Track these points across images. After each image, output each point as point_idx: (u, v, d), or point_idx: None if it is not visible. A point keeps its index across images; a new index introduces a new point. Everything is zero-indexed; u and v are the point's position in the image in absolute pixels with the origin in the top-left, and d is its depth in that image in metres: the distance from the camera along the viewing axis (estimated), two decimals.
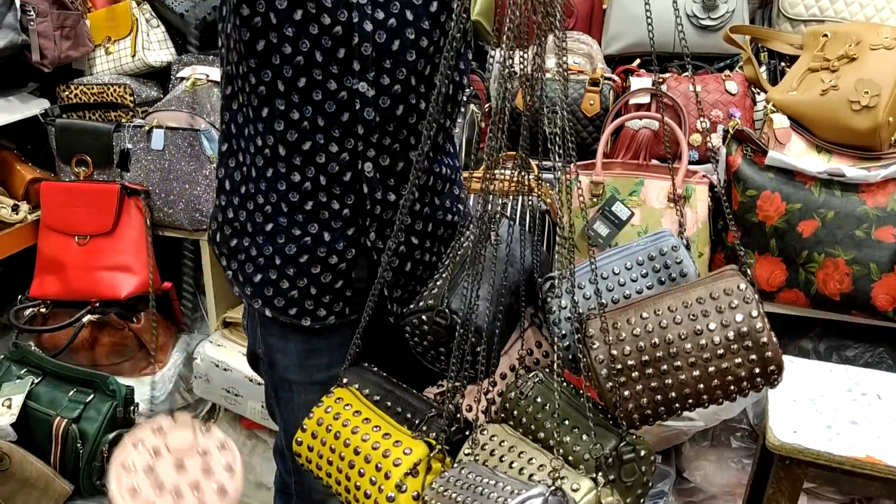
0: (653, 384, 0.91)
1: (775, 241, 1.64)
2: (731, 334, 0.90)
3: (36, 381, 1.79)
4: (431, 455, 0.94)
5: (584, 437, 0.92)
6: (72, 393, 1.76)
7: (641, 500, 0.95)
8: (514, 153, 1.94)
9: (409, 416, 1.03)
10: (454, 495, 0.86)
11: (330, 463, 1.00)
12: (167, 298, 2.11)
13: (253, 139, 1.09)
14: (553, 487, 0.81)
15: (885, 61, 1.66)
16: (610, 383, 0.92)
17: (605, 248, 1.76)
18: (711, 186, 1.73)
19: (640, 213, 1.74)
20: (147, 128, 2.00)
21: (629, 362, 0.92)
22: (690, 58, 2.02)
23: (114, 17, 2.17)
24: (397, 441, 0.96)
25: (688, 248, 1.11)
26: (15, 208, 2.02)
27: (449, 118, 1.16)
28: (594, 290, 1.00)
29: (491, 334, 1.02)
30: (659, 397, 0.92)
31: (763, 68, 1.94)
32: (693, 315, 0.91)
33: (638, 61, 2.02)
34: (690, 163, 1.78)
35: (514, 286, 1.09)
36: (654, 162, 1.84)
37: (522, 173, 1.57)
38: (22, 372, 1.82)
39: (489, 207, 1.04)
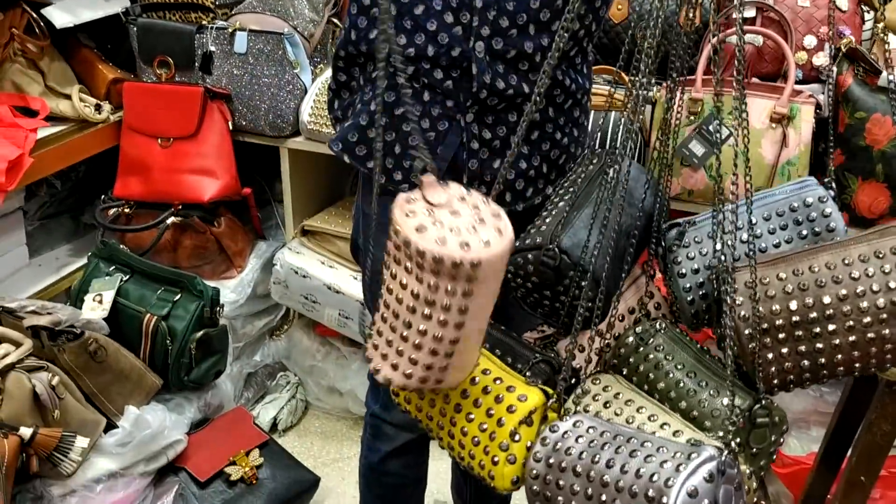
0: (801, 348, 0.84)
1: (882, 167, 1.58)
2: None
3: (125, 278, 1.82)
4: (548, 404, 0.85)
5: (711, 392, 0.85)
6: (160, 291, 1.80)
7: (762, 473, 0.89)
8: (608, 67, 1.89)
9: (509, 360, 0.95)
10: (584, 453, 0.76)
11: (432, 405, 0.91)
12: (246, 204, 2.12)
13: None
14: (727, 452, 0.71)
15: None
16: (753, 343, 0.85)
17: (699, 168, 1.72)
18: (818, 106, 1.66)
19: (740, 133, 1.68)
20: (230, 30, 1.97)
21: (777, 322, 0.84)
22: None
23: None
24: (510, 386, 0.87)
25: (831, 197, 0.99)
26: (98, 108, 2.02)
27: (583, 26, 1.11)
28: (733, 241, 0.90)
29: (606, 280, 0.93)
30: (806, 362, 0.85)
31: None
32: (855, 275, 0.83)
33: None
34: (795, 82, 1.71)
35: (629, 229, 1.01)
36: (756, 80, 1.77)
37: (614, 89, 1.52)
38: (110, 269, 1.85)
39: (607, 142, 0.99)
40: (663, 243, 1.04)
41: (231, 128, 2.02)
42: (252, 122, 2.02)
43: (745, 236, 0.93)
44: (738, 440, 0.81)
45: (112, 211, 2.05)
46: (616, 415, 0.86)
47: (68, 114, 1.96)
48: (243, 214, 2.18)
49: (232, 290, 2.07)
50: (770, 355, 0.85)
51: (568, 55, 1.13)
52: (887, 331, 0.82)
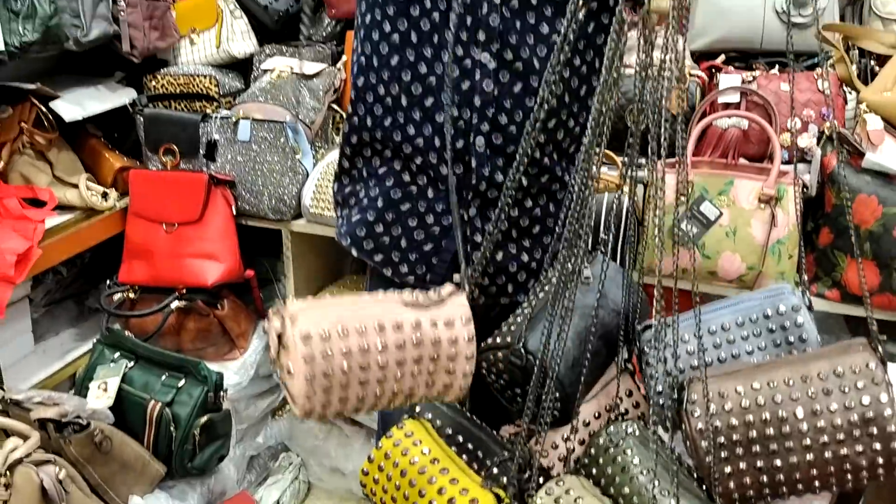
0: (759, 463, 0.84)
1: (870, 245, 1.63)
2: (854, 418, 0.81)
3: (129, 365, 1.84)
4: None
5: (672, 501, 0.84)
6: (164, 377, 1.81)
7: None
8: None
9: (480, 454, 1.01)
10: None
11: (394, 501, 0.98)
12: (248, 285, 2.16)
13: (376, 88, 1.13)
14: None
15: None
16: (710, 457, 0.85)
17: (691, 249, 1.76)
18: (804, 187, 1.71)
19: (729, 213, 1.73)
20: (234, 119, 2.04)
21: (734, 437, 0.84)
22: (778, 55, 2.01)
23: (199, 8, 2.21)
24: (464, 489, 0.93)
25: (803, 302, 0.99)
26: (104, 195, 2.07)
27: (573, 118, 1.15)
28: (698, 346, 0.94)
29: (571, 381, 0.97)
30: (765, 478, 0.84)
31: (853, 67, 1.91)
32: (812, 392, 0.83)
33: (723, 57, 2.00)
34: (781, 162, 1.77)
35: (605, 330, 1.03)
36: (742, 161, 1.83)
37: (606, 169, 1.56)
38: (115, 356, 1.87)
39: (601, 223, 1.03)
40: (637, 343, 1.05)
41: (234, 212, 2.07)
42: (255, 206, 2.07)
43: (718, 341, 0.98)
44: None
45: (117, 296, 2.08)
46: None
47: (75, 203, 2.01)
48: (246, 295, 2.21)
49: (235, 372, 2.08)
50: (728, 469, 0.85)
51: (563, 149, 1.18)
52: (845, 450, 0.81)
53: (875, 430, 0.80)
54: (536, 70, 1.08)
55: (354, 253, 1.22)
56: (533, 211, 1.18)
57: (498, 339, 1.01)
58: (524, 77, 1.08)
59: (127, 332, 1.91)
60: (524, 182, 1.14)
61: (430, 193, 1.15)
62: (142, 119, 2.13)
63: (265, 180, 2.04)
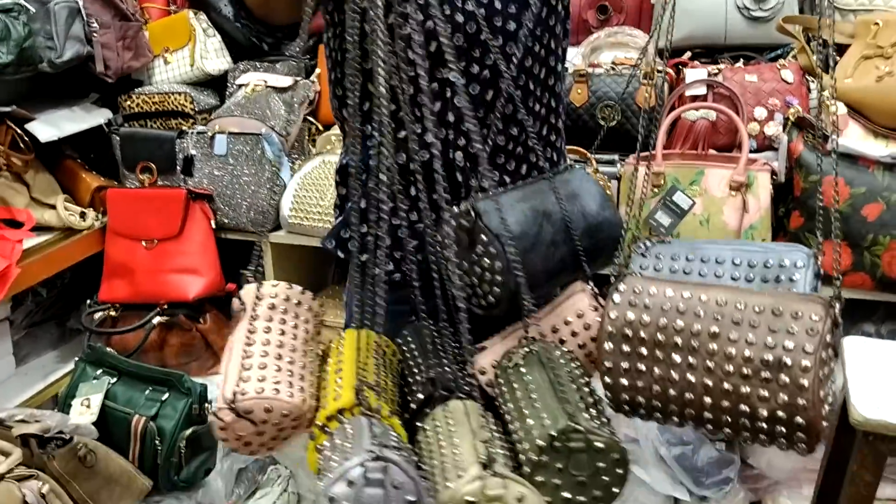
0: (656, 370, 0.79)
1: (839, 225, 1.66)
2: (769, 357, 0.74)
3: (112, 381, 1.84)
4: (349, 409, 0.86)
5: (539, 417, 0.80)
6: (148, 392, 1.81)
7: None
8: (571, 147, 1.98)
9: (419, 364, 1.00)
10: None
11: None
12: (230, 299, 2.15)
13: (355, 126, 1.16)
14: (375, 455, 0.73)
15: None
16: (611, 344, 0.82)
17: (666, 237, 1.79)
18: (773, 173, 1.75)
19: (702, 201, 1.76)
20: (210, 134, 2.05)
21: (641, 334, 0.80)
22: (741, 49, 2.05)
23: (172, 28, 2.23)
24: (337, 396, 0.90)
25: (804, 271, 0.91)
26: (82, 215, 2.07)
27: (541, 103, 1.17)
28: (683, 267, 0.94)
29: (517, 264, 0.89)
30: (657, 388, 0.79)
31: (815, 57, 1.96)
32: (739, 319, 0.77)
33: (689, 54, 2.05)
34: (749, 151, 1.80)
35: (566, 227, 0.98)
36: (713, 152, 1.87)
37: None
38: (98, 373, 1.86)
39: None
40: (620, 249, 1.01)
41: (214, 226, 2.07)
42: (234, 219, 2.08)
43: (706, 270, 0.94)
44: (559, 465, 0.76)
45: (98, 315, 2.08)
46: (438, 444, 0.83)
47: (53, 223, 2.02)
48: (228, 308, 2.21)
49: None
50: (625, 364, 0.81)
51: (541, 135, 1.19)
52: (747, 388, 0.75)
53: (786, 379, 0.73)
54: (503, 72, 1.11)
55: (341, 254, 1.23)
56: None
57: (454, 209, 0.98)
58: (492, 83, 1.09)
59: (108, 349, 1.90)
60: (507, 180, 1.15)
61: (413, 191, 1.16)
62: (118, 138, 2.14)
63: (243, 193, 2.05)
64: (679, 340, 0.79)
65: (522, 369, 0.89)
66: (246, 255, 2.28)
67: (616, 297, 0.83)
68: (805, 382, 0.72)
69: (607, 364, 0.82)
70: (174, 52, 2.24)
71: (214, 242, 2.08)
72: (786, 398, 0.73)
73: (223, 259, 2.11)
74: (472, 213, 0.93)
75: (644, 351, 0.80)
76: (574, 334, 1.01)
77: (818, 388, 0.73)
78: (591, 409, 0.81)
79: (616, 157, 1.96)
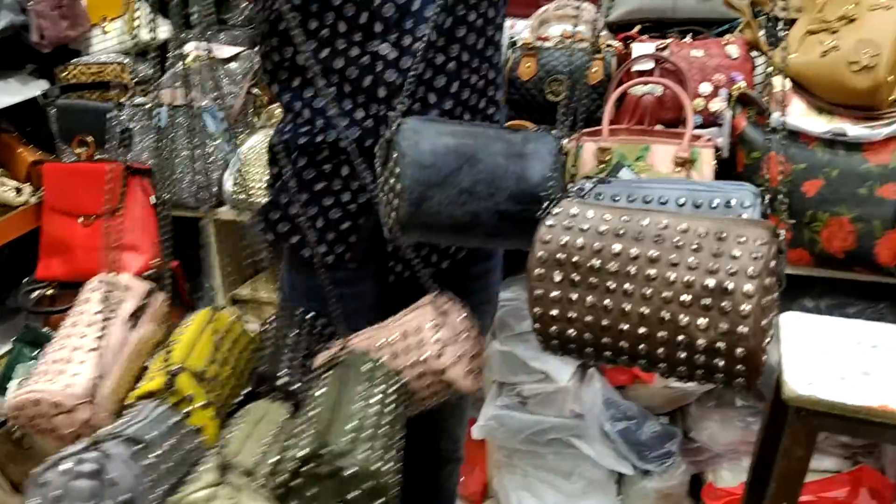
0: (589, 299, 0.73)
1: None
2: (710, 283, 0.69)
3: None
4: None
5: (301, 436, 0.78)
6: None
7: None
8: (520, 122, 1.96)
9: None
10: None
11: None
12: (173, 278, 2.11)
13: (286, 102, 1.13)
14: (94, 446, 0.73)
15: (883, 21, 1.68)
16: (541, 270, 0.76)
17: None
18: (716, 150, 1.75)
19: (648, 177, 1.76)
20: (148, 106, 1.99)
21: (574, 259, 0.74)
22: (691, 24, 2.04)
23: None
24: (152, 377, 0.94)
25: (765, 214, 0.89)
26: (18, 191, 2.01)
27: (478, 75, 1.13)
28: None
29: (425, 180, 0.90)
30: (590, 318, 0.74)
31: (762, 32, 1.95)
32: (680, 242, 0.71)
33: (638, 28, 2.03)
34: (695, 127, 1.80)
35: (492, 190, 0.93)
36: (659, 127, 1.86)
37: None
38: (35, 353, 1.82)
39: None
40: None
41: (153, 202, 2.02)
42: (175, 194, 2.02)
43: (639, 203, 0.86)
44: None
45: (35, 293, 2.02)
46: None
47: None
48: (175, 287, 2.16)
49: None
50: (556, 293, 0.75)
51: (475, 107, 1.14)
52: (684, 317, 0.69)
53: (727, 306, 0.67)
54: (436, 44, 1.06)
55: (269, 236, 1.20)
56: None
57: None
58: (423, 56, 1.05)
59: (44, 329, 1.86)
60: None
61: (345, 171, 1.13)
62: (54, 111, 2.07)
63: (184, 168, 2.00)
64: (615, 266, 0.73)
65: (323, 379, 0.87)
66: (191, 230, 2.24)
67: (550, 220, 0.77)
68: (747, 308, 0.68)
69: (537, 292, 0.76)
70: (112, 21, 2.17)
71: (155, 219, 2.03)
72: (726, 326, 0.68)
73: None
74: (395, 127, 0.93)
75: (577, 277, 0.74)
76: (408, 350, 0.98)
77: (760, 317, 0.68)
78: (370, 435, 0.75)
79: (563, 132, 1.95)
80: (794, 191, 1.65)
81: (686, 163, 1.73)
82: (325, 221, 1.16)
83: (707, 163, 1.73)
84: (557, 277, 0.75)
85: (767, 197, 0.86)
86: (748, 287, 0.68)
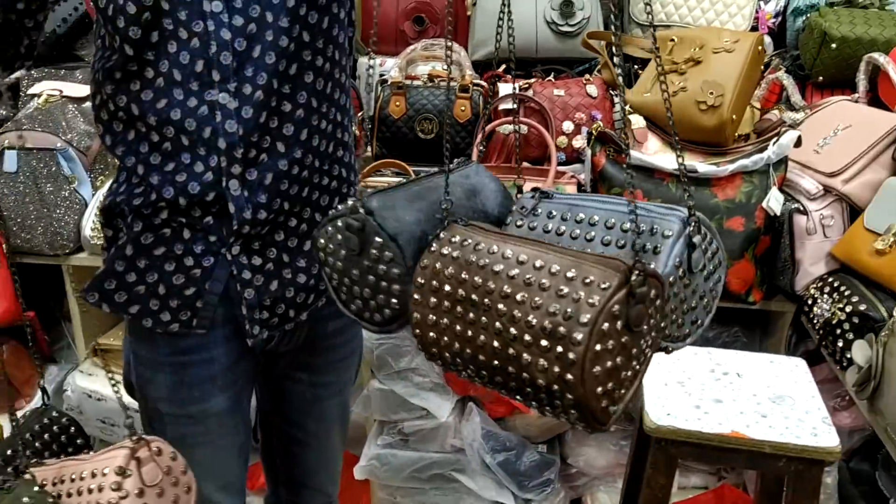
0: (457, 327, 0.76)
1: None
2: (548, 325, 0.68)
3: None
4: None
5: None
6: None
7: None
8: (391, 160, 1.97)
9: None
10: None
11: None
12: (31, 328, 1.98)
13: (119, 157, 1.05)
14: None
15: (726, 63, 1.80)
16: (419, 295, 0.78)
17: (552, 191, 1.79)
18: (579, 185, 1.82)
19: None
20: None
21: (446, 287, 0.76)
22: (553, 62, 2.12)
23: None
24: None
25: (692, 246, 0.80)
26: None
27: (327, 119, 1.08)
28: (556, 228, 0.85)
29: (414, 257, 0.83)
30: (457, 346, 0.76)
31: (619, 71, 2.05)
32: (531, 281, 0.71)
33: (503, 67, 2.09)
34: (559, 164, 1.87)
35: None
36: (526, 164, 1.91)
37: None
38: None
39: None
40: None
41: (6, 250, 1.90)
42: (29, 241, 1.91)
43: (577, 232, 0.86)
44: None
45: None
46: None
47: None
48: (27, 339, 2.03)
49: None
50: (432, 317, 0.77)
51: (328, 153, 1.10)
52: (527, 356, 0.70)
53: (559, 350, 0.67)
54: (277, 90, 1.01)
55: (106, 308, 1.08)
56: (300, 227, 1.11)
57: (339, 207, 0.88)
58: (265, 105, 1.00)
59: None
60: (286, 206, 1.06)
61: (187, 234, 1.05)
62: None
63: (38, 213, 1.89)
64: (476, 297, 0.73)
65: None
66: (50, 277, 2.11)
67: (433, 246, 0.79)
68: (572, 356, 0.66)
69: (415, 315, 0.78)
70: None
71: (7, 268, 1.90)
72: (557, 370, 0.67)
73: (23, 283, 1.93)
74: (364, 212, 0.83)
75: (447, 305, 0.75)
76: (90, 491, 0.97)
77: (591, 365, 0.66)
78: None
79: (436, 169, 1.97)
80: None
81: None
82: (168, 288, 1.06)
83: None
84: (433, 301, 0.77)
85: (693, 223, 0.80)
86: (577, 334, 0.66)
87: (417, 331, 0.79)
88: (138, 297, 1.06)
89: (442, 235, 0.80)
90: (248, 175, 1.03)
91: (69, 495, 0.95)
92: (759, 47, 1.81)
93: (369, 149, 2.06)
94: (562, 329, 0.67)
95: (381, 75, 2.10)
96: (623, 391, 0.71)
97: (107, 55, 1.00)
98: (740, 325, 1.90)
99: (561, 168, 1.85)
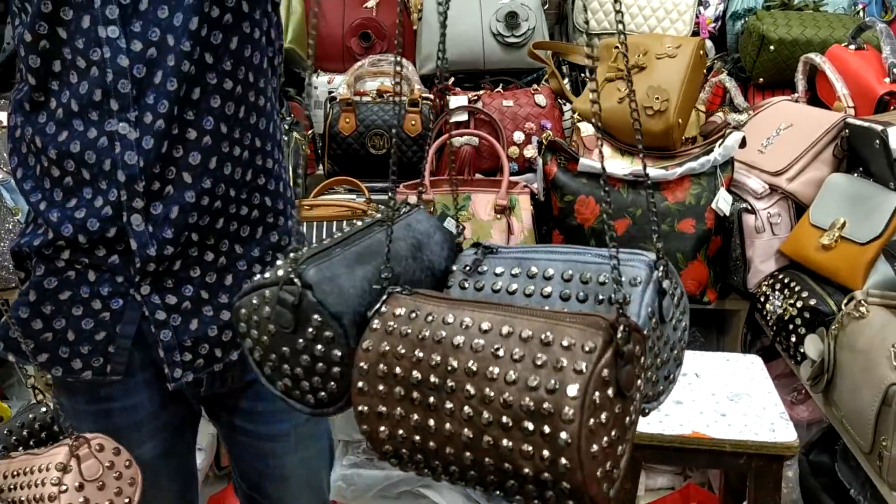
0: (415, 417, 0.63)
1: (594, 241, 1.77)
2: (529, 402, 0.57)
3: None
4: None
5: None
6: None
7: None
8: (344, 178, 1.96)
9: None
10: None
11: None
12: None
13: (25, 194, 0.99)
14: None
15: (670, 68, 1.84)
16: (363, 383, 0.65)
17: (495, 247, 1.79)
18: (532, 195, 1.83)
19: (471, 226, 1.81)
20: None
21: (396, 370, 0.64)
22: (501, 73, 2.14)
23: None
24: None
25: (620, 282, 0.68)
26: None
27: (242, 146, 1.01)
28: (505, 287, 0.73)
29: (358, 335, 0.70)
30: (418, 438, 0.63)
31: (566, 80, 2.08)
32: (500, 352, 0.60)
33: (452, 80, 2.10)
34: (512, 174, 1.88)
35: (409, 283, 0.78)
36: (478, 176, 1.92)
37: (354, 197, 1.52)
38: None
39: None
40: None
41: None
42: None
43: (531, 288, 0.75)
44: None
45: None
46: None
47: None
48: None
49: None
50: (382, 408, 0.64)
51: (246, 182, 1.03)
52: (507, 442, 0.58)
53: (547, 430, 0.56)
54: (179, 116, 0.95)
55: (11, 358, 1.02)
56: (218, 261, 1.03)
57: (266, 275, 0.74)
58: (166, 134, 0.94)
59: None
60: (195, 237, 1.00)
61: (92, 276, 0.98)
62: None
63: None
64: (435, 379, 0.61)
65: None
66: None
67: (375, 323, 0.66)
68: (565, 437, 0.55)
69: (361, 408, 0.65)
70: None
71: None
72: (548, 454, 0.56)
73: None
74: (300, 285, 0.70)
75: (401, 391, 0.63)
76: (29, 485, 0.97)
77: (587, 444, 0.56)
78: None
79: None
80: (604, 231, 1.74)
81: (505, 209, 1.80)
82: (77, 334, 1.00)
83: (525, 208, 1.81)
84: (381, 390, 0.64)
85: (662, 268, 0.71)
86: (567, 409, 0.55)
87: (365, 426, 0.66)
88: (46, 344, 1.00)
89: (384, 310, 0.68)
90: (152, 209, 0.96)
91: (22, 488, 1.00)
92: (701, 52, 1.85)
93: (321, 167, 2.05)
94: (546, 405, 0.57)
95: (330, 93, 2.09)
96: (618, 470, 0.60)
97: (19, 86, 0.96)
98: (698, 326, 1.93)
99: (514, 178, 1.86)
